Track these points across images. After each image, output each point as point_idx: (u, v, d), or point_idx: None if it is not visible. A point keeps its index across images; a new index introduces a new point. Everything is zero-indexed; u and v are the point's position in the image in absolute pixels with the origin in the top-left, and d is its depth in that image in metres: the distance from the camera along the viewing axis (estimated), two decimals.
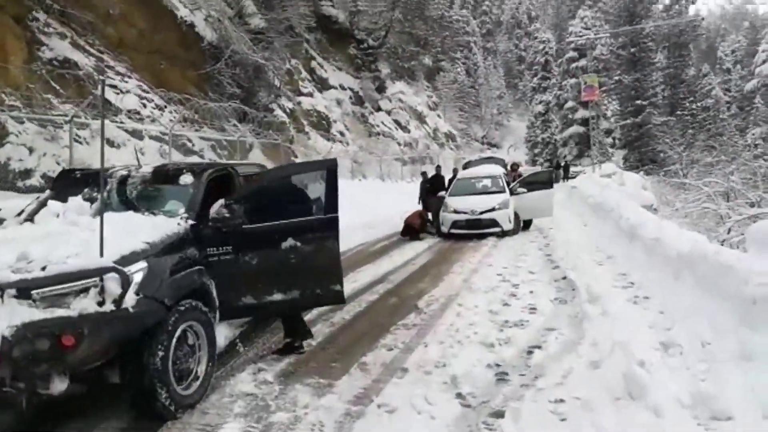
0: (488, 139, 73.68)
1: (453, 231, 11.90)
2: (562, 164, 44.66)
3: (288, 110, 22.17)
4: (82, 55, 13.15)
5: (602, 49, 49.86)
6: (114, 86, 13.25)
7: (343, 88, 29.20)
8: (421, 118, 35.85)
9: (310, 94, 25.53)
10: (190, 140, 15.16)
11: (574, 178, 32.16)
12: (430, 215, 13.26)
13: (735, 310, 4.02)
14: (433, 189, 13.69)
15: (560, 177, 40.42)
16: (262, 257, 4.15)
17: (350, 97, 29.45)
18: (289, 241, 4.18)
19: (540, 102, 56.28)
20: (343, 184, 16.87)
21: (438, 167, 15.32)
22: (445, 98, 55.23)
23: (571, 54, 50.86)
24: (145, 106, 14.36)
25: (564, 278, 7.26)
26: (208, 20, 16.62)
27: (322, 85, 27.77)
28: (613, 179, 26.79)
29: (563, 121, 51.50)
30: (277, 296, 4.21)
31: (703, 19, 61.20)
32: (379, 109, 31.12)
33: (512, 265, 8.49)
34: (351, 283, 7.40)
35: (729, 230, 11.19)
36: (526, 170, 41.83)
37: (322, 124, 25.20)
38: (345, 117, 27.78)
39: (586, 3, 66.09)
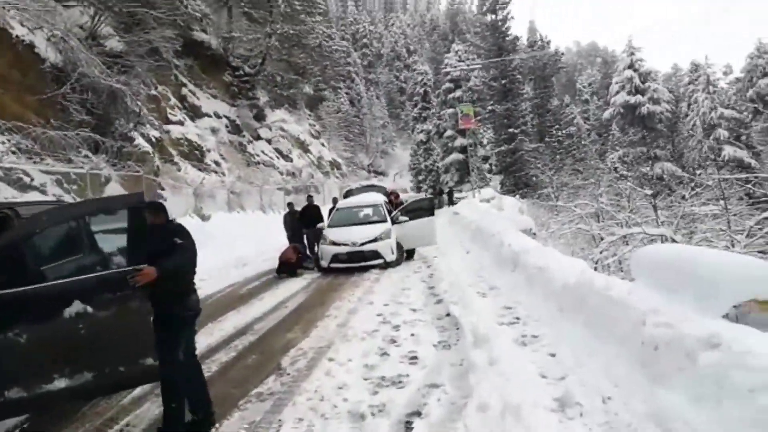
0: (374, 167, 74.56)
1: (333, 265, 11.03)
2: (446, 191, 45.86)
3: (154, 139, 20.26)
4: None
5: (476, 80, 52.50)
6: None
7: (218, 116, 27.57)
8: (304, 147, 34.96)
9: (181, 123, 23.69)
10: (27, 174, 13.01)
11: (457, 203, 32.85)
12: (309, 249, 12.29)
13: (633, 356, 3.50)
14: (306, 221, 12.73)
15: (444, 203, 41.41)
16: (34, 332, 2.96)
17: (227, 126, 27.87)
18: (76, 306, 3.03)
19: (421, 131, 57.87)
20: (220, 218, 15.27)
21: (310, 197, 14.23)
22: (330, 127, 54.99)
23: (448, 85, 52.95)
24: None
25: (448, 315, 6.65)
26: (51, 40, 14.61)
27: (195, 113, 25.99)
28: (492, 203, 27.60)
29: (444, 148, 53.18)
30: (60, 383, 3.03)
31: (562, 54, 66.85)
32: (258, 138, 29.76)
33: (394, 301, 7.76)
34: (206, 338, 6.23)
35: (602, 251, 11.40)
36: (411, 197, 42.44)
37: (195, 153, 23.41)
38: (221, 146, 26.14)
39: (460, 37, 69.97)
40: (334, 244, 11.06)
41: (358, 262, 10.85)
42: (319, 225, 12.00)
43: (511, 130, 46.84)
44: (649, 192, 12.14)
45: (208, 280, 10.80)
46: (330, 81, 45.28)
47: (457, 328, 5.92)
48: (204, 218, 20.43)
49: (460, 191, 42.59)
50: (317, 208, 13.26)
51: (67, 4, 17.24)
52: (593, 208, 14.63)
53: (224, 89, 28.91)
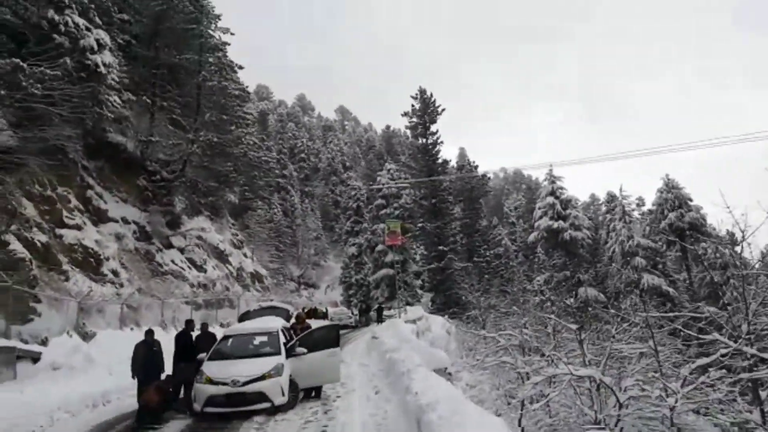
0: (305, 279, 72.55)
1: (208, 409, 8.97)
2: (374, 307, 44.23)
3: (40, 243, 17.97)
4: None
5: (407, 198, 53.33)
6: None
7: (126, 221, 25.48)
8: (222, 257, 32.86)
9: (78, 227, 21.44)
10: None
11: (385, 321, 31.11)
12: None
13: None
14: (180, 350, 10.67)
15: (372, 320, 39.47)
16: None
17: (134, 232, 25.71)
18: None
19: (353, 244, 57.39)
20: (107, 337, 12.67)
21: (188, 321, 11.73)
22: (258, 237, 53.36)
23: (380, 201, 53.52)
24: None
25: None
26: None
27: (99, 217, 23.83)
28: (418, 324, 26.17)
29: (375, 263, 52.44)
30: None
31: (489, 178, 69.95)
32: (170, 246, 27.59)
33: None
34: None
35: (528, 397, 10.02)
36: (338, 312, 40.23)
37: (89, 261, 20.97)
38: (123, 254, 23.79)
39: (393, 158, 72.42)
40: (212, 382, 9.07)
41: (238, 407, 8.86)
42: (199, 356, 10.00)
43: (441, 247, 46.90)
44: (574, 327, 11.12)
45: (44, 429, 8.49)
46: (258, 191, 44.41)
47: None
48: (86, 337, 17.73)
49: (390, 308, 40.93)
50: (190, 337, 11.08)
51: None
52: (517, 340, 13.47)
53: (137, 193, 27.11)
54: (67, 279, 19.21)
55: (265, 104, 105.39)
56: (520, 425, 11.08)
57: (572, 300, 20.07)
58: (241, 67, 34.79)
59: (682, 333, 11.74)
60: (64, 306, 17.71)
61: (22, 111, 16.78)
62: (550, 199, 38.03)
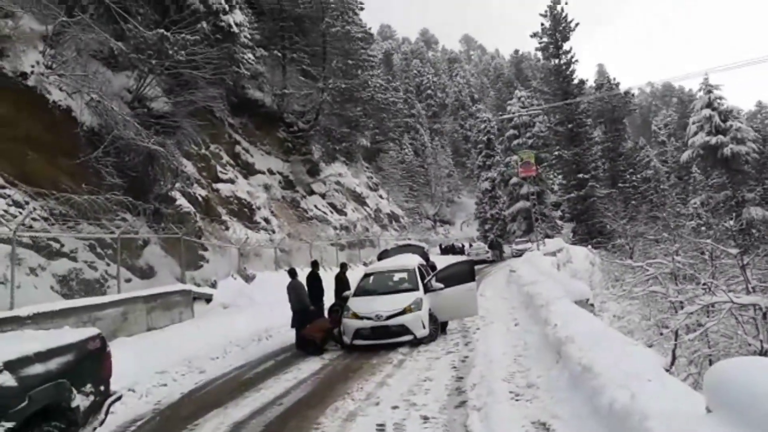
0: (440, 217, 73.27)
1: (356, 342, 9.69)
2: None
3: (200, 198, 20.09)
4: None
5: (540, 126, 50.74)
6: None
7: (271, 172, 27.46)
8: (360, 200, 34.28)
9: (231, 181, 23.58)
10: (57, 240, 12.73)
11: (520, 255, 30.58)
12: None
13: None
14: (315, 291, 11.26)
15: (497, 256, 38.87)
16: None
17: (280, 182, 27.67)
18: None
19: (486, 179, 56.37)
20: (265, 278, 14.06)
21: (313, 263, 12.29)
22: (392, 178, 54.55)
23: (511, 132, 51.58)
24: None
25: (465, 429, 5.16)
26: (90, 105, 14.69)
27: (248, 170, 25.96)
28: (558, 257, 25.42)
29: (510, 196, 51.36)
30: None
31: (633, 95, 63.70)
32: (312, 193, 29.36)
33: (406, 401, 6.31)
34: None
35: (683, 327, 9.40)
36: (476, 247, 40.10)
37: (244, 212, 23.10)
38: (272, 203, 25.81)
39: (524, 84, 68.69)
40: (357, 317, 9.75)
41: (383, 339, 9.47)
42: (345, 293, 10.74)
43: (580, 175, 44.34)
44: (735, 251, 10.07)
45: (219, 359, 9.79)
46: (388, 133, 44.96)
47: None
48: (247, 279, 19.80)
49: (529, 240, 39.95)
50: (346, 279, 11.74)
51: (115, 69, 17.63)
52: (668, 268, 12.53)
53: (278, 145, 28.93)
54: (227, 228, 21.38)
55: (388, 44, 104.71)
56: (674, 356, 10.51)
57: (732, 222, 18.03)
58: (362, 7, 34.65)
59: None
60: (227, 252, 19.83)
61: (171, 78, 18.43)
62: (707, 112, 33.92)
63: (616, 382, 4.52)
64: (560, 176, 50.22)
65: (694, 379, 9.34)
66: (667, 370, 6.64)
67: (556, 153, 46.16)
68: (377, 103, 35.22)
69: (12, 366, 3.89)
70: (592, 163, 45.86)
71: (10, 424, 3.66)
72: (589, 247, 34.14)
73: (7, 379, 3.79)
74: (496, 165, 54.93)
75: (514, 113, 45.74)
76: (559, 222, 50.12)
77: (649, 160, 55.69)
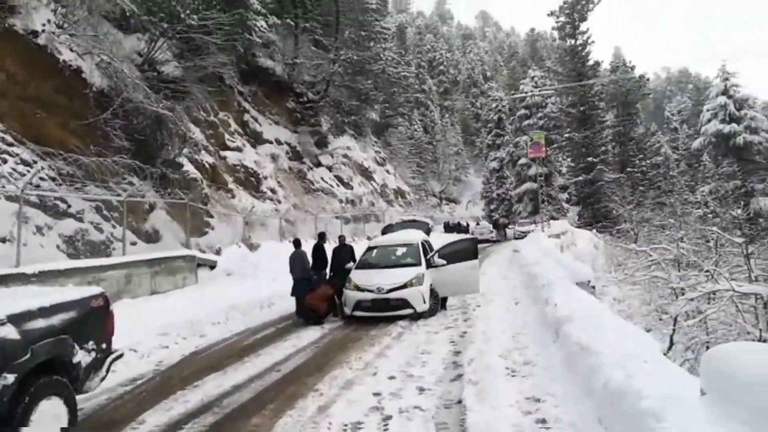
0: (446, 194, 73.08)
1: (356, 313, 9.79)
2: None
3: (207, 165, 20.11)
4: None
5: (552, 107, 50.15)
6: None
7: (279, 142, 27.40)
8: (366, 174, 34.22)
9: (239, 149, 23.56)
10: (64, 201, 12.82)
11: (522, 237, 30.59)
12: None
13: None
14: (315, 261, 11.30)
15: (501, 236, 39.02)
16: None
17: (287, 152, 27.62)
18: None
19: (494, 158, 56.04)
20: (269, 248, 14.09)
21: (320, 234, 12.35)
22: (400, 154, 54.31)
23: (523, 112, 51.02)
24: (5, 161, 12.03)
25: (459, 402, 5.23)
26: (100, 66, 14.62)
27: (256, 139, 25.90)
28: (562, 239, 25.38)
29: (517, 177, 51.06)
30: None
31: (647, 79, 62.70)
32: (319, 165, 29.32)
33: (404, 373, 6.39)
34: (161, 414, 5.17)
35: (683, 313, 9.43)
36: (481, 227, 40.15)
37: (251, 180, 23.13)
38: (279, 173, 25.82)
39: (538, 64, 67.64)
40: (359, 289, 9.82)
41: (383, 312, 9.55)
42: (348, 266, 10.80)
43: (589, 159, 43.99)
44: (740, 240, 10.02)
45: (220, 324, 9.90)
46: (398, 108, 44.62)
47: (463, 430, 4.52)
48: (252, 248, 19.90)
49: (533, 222, 39.93)
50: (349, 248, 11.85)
51: (126, 31, 17.49)
52: (672, 254, 12.51)
53: (287, 115, 28.79)
54: (233, 197, 21.44)
55: (402, 17, 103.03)
56: (671, 341, 10.57)
57: (740, 211, 17.90)
58: None
59: None
60: (232, 221, 19.93)
61: (182, 42, 18.29)
62: (722, 99, 33.40)
63: (613, 363, 4.55)
64: (569, 159, 49.85)
65: (690, 365, 9.40)
66: (664, 355, 6.69)
67: (567, 135, 45.73)
68: (388, 76, 34.91)
69: (15, 319, 3.96)
70: (602, 147, 45.44)
71: (12, 376, 3.74)
72: (594, 231, 34.04)
73: (10, 332, 3.86)
74: (505, 145, 54.52)
75: (526, 93, 45.19)
76: (566, 205, 49.88)
77: (660, 146, 55.12)
